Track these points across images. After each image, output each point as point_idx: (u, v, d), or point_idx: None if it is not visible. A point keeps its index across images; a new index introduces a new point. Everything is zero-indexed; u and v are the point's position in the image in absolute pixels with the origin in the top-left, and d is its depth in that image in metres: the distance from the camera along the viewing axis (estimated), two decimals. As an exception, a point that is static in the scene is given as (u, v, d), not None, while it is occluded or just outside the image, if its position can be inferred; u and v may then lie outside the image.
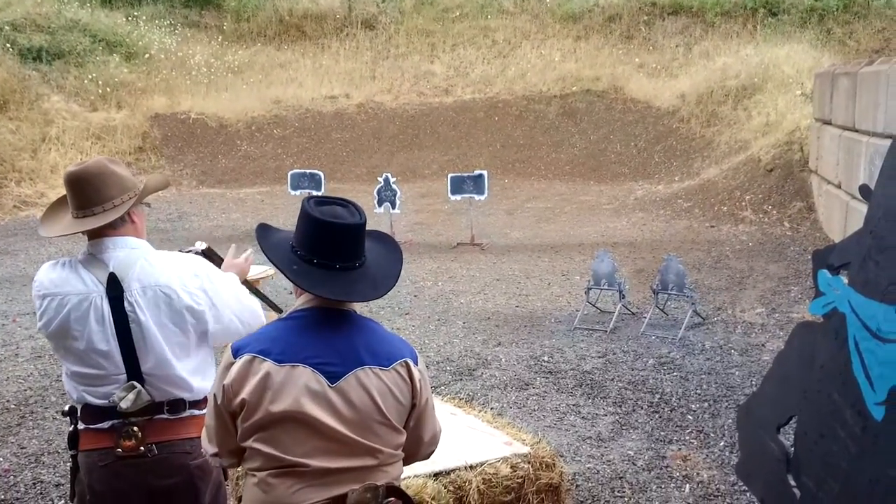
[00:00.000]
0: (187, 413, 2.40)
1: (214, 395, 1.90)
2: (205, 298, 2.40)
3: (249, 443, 1.85)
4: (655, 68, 17.17)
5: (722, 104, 15.03)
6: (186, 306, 2.36)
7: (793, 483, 2.71)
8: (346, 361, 1.85)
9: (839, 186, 9.24)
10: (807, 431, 2.66)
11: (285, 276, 1.91)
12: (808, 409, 2.65)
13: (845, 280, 2.57)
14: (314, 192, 11.20)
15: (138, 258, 2.37)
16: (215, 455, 1.97)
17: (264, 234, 2.00)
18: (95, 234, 2.38)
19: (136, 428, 2.32)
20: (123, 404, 2.29)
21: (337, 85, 18.57)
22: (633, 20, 18.69)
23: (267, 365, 1.82)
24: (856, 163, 8.46)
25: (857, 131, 8.61)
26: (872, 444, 2.35)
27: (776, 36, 16.77)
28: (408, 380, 1.91)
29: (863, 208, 2.53)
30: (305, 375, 1.82)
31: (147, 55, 18.67)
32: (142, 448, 2.33)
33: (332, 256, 1.89)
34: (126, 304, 2.31)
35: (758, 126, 13.57)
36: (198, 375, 2.42)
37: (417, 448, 2.03)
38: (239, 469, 2.27)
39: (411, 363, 1.92)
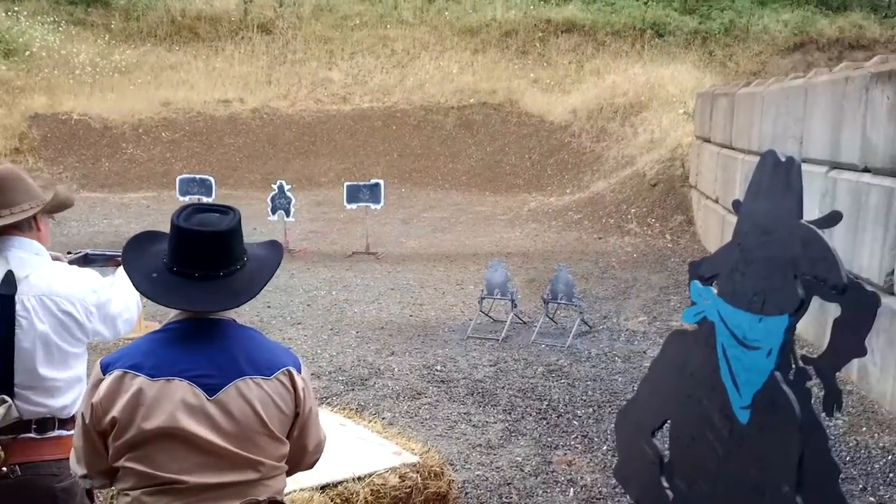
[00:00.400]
0: (55, 433, 2.29)
1: (82, 414, 1.80)
2: (97, 315, 2.38)
3: (122, 462, 1.77)
4: (549, 84, 17.66)
5: (611, 120, 15.61)
6: (79, 322, 2.33)
7: (666, 485, 2.82)
8: (225, 373, 1.79)
9: (717, 201, 9.76)
10: (679, 435, 2.78)
11: (134, 284, 1.85)
12: (680, 413, 2.77)
13: (715, 290, 2.71)
14: (204, 199, 10.87)
15: (41, 265, 2.33)
16: (85, 476, 1.86)
17: (141, 242, 1.94)
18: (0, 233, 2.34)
19: None
20: None
21: (231, 89, 18.12)
22: (528, 36, 19.17)
23: (139, 380, 1.74)
24: (732, 179, 8.96)
25: (733, 149, 9.13)
26: (738, 447, 2.48)
27: (662, 56, 17.60)
28: (291, 389, 1.86)
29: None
30: (181, 389, 1.75)
31: (28, 52, 17.66)
32: (4, 469, 2.20)
33: (192, 264, 1.83)
34: (18, 306, 2.23)
35: (643, 142, 14.18)
36: (72, 393, 2.34)
37: (301, 457, 1.98)
38: (112, 489, 2.15)
39: (294, 371, 1.87)
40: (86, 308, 2.34)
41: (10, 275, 2.26)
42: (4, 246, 2.33)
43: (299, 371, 1.89)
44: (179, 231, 1.82)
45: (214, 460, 1.77)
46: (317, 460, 2.06)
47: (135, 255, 1.90)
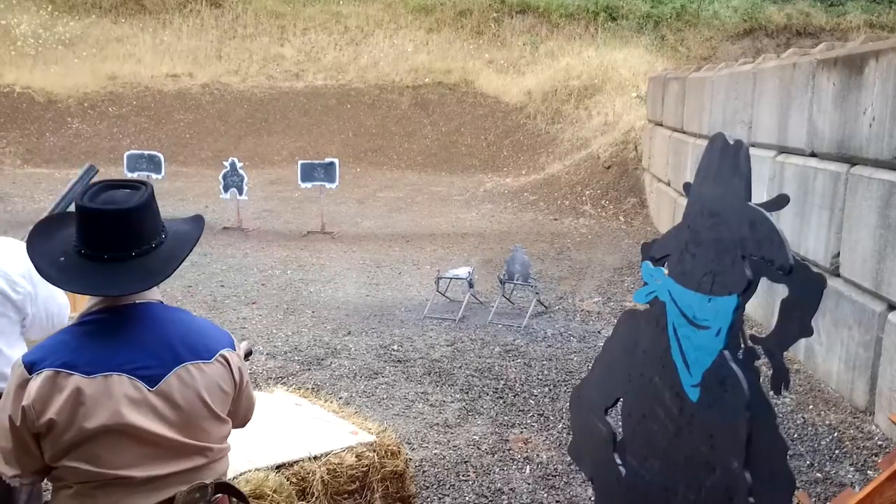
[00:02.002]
0: None
1: (10, 417, 1.69)
2: (25, 287, 2.24)
3: (63, 462, 1.70)
4: (504, 65, 17.68)
5: (565, 103, 15.72)
6: (4, 293, 2.21)
7: (619, 461, 2.89)
8: (164, 362, 1.74)
9: (668, 184, 9.94)
10: (631, 413, 2.84)
11: (38, 271, 1.74)
12: (632, 391, 2.83)
13: (666, 271, 2.77)
14: (153, 175, 10.64)
15: None
16: (15, 476, 1.77)
17: (50, 226, 1.83)
18: None
19: None
20: None
21: (179, 63, 17.71)
22: (483, 16, 19.12)
23: (75, 379, 1.66)
24: (683, 162, 9.13)
25: (684, 133, 9.29)
26: (688, 424, 2.55)
27: (615, 40, 17.75)
28: (229, 368, 1.84)
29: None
30: (121, 384, 1.69)
31: (-37, 21, 16.97)
32: None
33: (99, 246, 1.72)
34: None
35: (597, 125, 14.32)
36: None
37: (234, 421, 1.96)
38: None
39: (229, 351, 1.85)
40: (9, 279, 2.22)
41: None
42: None
43: (234, 349, 1.88)
44: (83, 211, 1.72)
45: (162, 451, 1.74)
46: (248, 421, 2.05)
47: (41, 239, 1.80)
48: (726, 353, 2.43)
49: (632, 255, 9.09)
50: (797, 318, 2.29)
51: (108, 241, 1.72)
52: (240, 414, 1.97)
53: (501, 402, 5.02)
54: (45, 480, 1.84)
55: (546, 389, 5.23)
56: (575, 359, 5.81)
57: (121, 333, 1.74)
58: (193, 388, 1.76)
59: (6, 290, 2.21)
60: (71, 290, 1.78)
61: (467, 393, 5.15)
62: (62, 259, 1.74)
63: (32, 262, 1.76)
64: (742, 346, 2.43)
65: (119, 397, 1.68)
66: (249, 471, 3.05)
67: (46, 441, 1.69)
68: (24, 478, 1.77)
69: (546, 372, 5.54)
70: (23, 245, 2.30)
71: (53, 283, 1.75)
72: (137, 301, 1.78)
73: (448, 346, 6.08)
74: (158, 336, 1.76)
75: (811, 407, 4.89)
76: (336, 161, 10.68)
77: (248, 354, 2.27)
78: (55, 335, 1.77)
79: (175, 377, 1.74)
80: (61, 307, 2.36)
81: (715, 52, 17.24)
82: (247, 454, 3.16)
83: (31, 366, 1.68)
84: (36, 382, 1.66)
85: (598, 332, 6.41)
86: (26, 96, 16.35)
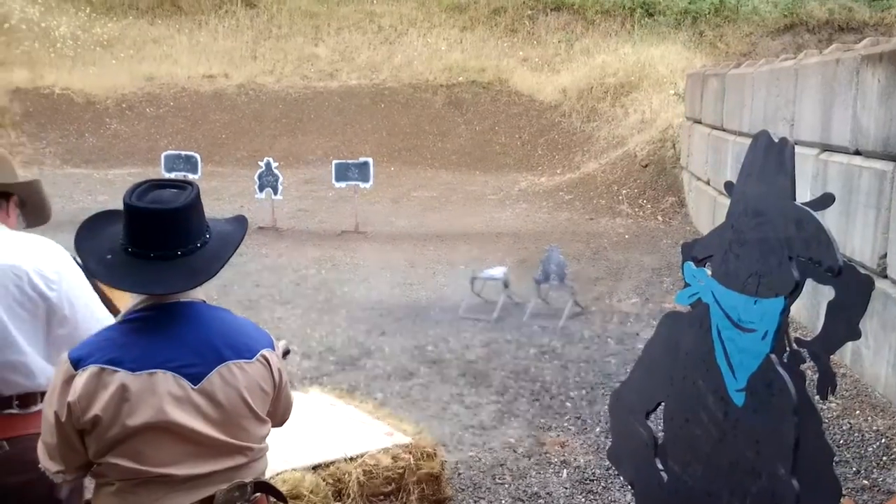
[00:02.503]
0: (38, 406, 2.22)
1: (56, 413, 1.70)
2: (59, 286, 2.23)
3: (106, 458, 1.71)
4: (538, 63, 17.57)
5: (601, 100, 15.56)
6: (39, 291, 2.20)
7: (660, 466, 2.83)
8: (207, 360, 1.74)
9: (708, 183, 9.77)
10: (673, 417, 2.78)
11: (85, 268, 1.77)
12: (674, 395, 2.77)
13: (709, 272, 2.70)
14: (190, 175, 10.77)
15: None
16: (59, 472, 1.78)
17: (98, 222, 1.85)
18: None
19: None
20: None
21: (215, 64, 17.91)
22: (517, 14, 19.03)
23: (120, 375, 1.66)
24: (723, 160, 8.97)
25: (724, 130, 9.12)
26: (733, 429, 2.48)
27: (652, 36, 17.52)
28: (269, 368, 1.85)
29: (728, 203, 2.67)
30: (166, 381, 1.69)
31: (6, 25, 17.35)
32: None
33: (146, 244, 1.74)
34: None
35: (634, 123, 14.15)
36: (52, 367, 2.26)
37: (273, 420, 1.96)
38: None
39: (269, 352, 1.86)
40: (45, 277, 2.21)
41: None
42: None
43: (273, 349, 1.89)
44: (131, 210, 1.74)
45: (203, 450, 1.74)
46: (286, 420, 2.05)
47: (88, 236, 1.81)
48: (773, 356, 2.36)
49: (670, 256, 8.95)
50: (844, 321, 2.22)
51: (154, 239, 1.74)
52: (278, 414, 1.97)
53: (538, 404, 4.97)
54: (88, 477, 1.85)
55: (583, 392, 5.16)
56: (612, 361, 5.73)
57: (166, 331, 1.75)
58: (235, 387, 1.76)
59: (43, 289, 2.21)
60: (118, 288, 1.78)
61: (503, 395, 5.10)
62: (109, 257, 1.76)
63: (81, 259, 1.78)
64: (787, 349, 2.37)
65: (163, 394, 1.69)
66: (286, 471, 3.06)
67: (91, 437, 1.70)
68: (67, 474, 1.78)
69: (583, 374, 5.47)
70: (58, 247, 2.32)
71: (101, 280, 1.78)
72: (182, 299, 1.79)
73: (483, 347, 6.04)
74: (202, 335, 1.77)
75: (858, 412, 4.76)
76: (370, 160, 10.71)
77: (285, 353, 2.25)
78: (101, 332, 1.79)
79: (217, 376, 1.74)
80: (101, 322, 2.34)
81: (755, 48, 16.93)
82: (283, 454, 3.16)
83: (77, 362, 1.69)
84: (82, 378, 1.67)
85: (637, 333, 6.31)
86: (65, 97, 16.67)
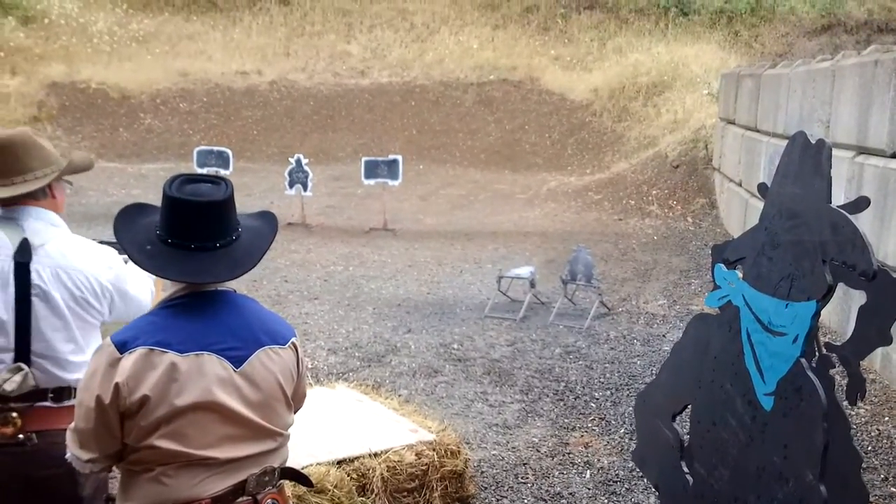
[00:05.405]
0: (71, 401, 2.27)
1: (98, 396, 1.72)
2: (111, 293, 2.34)
3: (150, 440, 1.73)
4: (570, 61, 17.46)
5: (633, 100, 15.43)
6: (95, 296, 2.30)
7: (686, 469, 2.80)
8: (248, 344, 1.81)
9: (740, 184, 9.64)
10: (700, 420, 2.75)
11: (130, 257, 1.82)
12: (702, 398, 2.74)
13: (740, 274, 2.67)
14: (221, 171, 10.88)
15: (56, 236, 2.29)
16: (90, 461, 1.79)
17: (131, 214, 1.90)
18: (13, 202, 2.29)
19: (14, 414, 2.19)
20: (8, 386, 2.16)
21: (248, 60, 18.07)
22: (549, 12, 18.93)
23: (169, 356, 1.71)
24: (756, 162, 8.84)
25: (758, 131, 8.99)
26: (761, 433, 2.45)
27: (686, 35, 17.32)
28: (297, 356, 1.93)
29: (761, 206, 2.63)
30: (212, 363, 1.75)
31: (46, 20, 17.68)
32: (21, 436, 2.20)
33: (187, 235, 1.80)
34: (34, 274, 2.21)
35: (666, 123, 14.01)
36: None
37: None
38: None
39: (296, 340, 1.94)
40: (101, 284, 2.31)
41: (25, 243, 2.23)
42: (20, 215, 2.28)
43: (296, 337, 1.96)
44: (173, 202, 1.79)
45: (242, 432, 1.79)
46: (300, 408, 2.09)
47: (126, 227, 1.86)
48: (803, 361, 2.33)
49: (700, 258, 8.85)
50: (875, 326, 2.19)
51: (196, 230, 1.80)
52: (295, 401, 2.03)
53: (562, 404, 4.95)
54: (114, 470, 1.87)
55: (608, 393, 5.13)
56: (638, 363, 5.68)
57: (207, 316, 1.81)
58: (272, 371, 1.83)
59: (98, 295, 2.31)
60: (162, 276, 1.83)
61: (527, 394, 5.09)
62: (149, 247, 1.81)
63: (124, 249, 1.83)
64: (817, 353, 2.33)
65: (211, 376, 1.74)
66: (311, 465, 3.08)
67: (134, 420, 1.72)
68: (97, 462, 1.80)
69: (608, 375, 5.43)
70: (107, 249, 2.39)
71: (145, 269, 1.82)
72: (220, 288, 1.86)
73: (508, 346, 6.02)
74: (241, 320, 1.84)
75: (887, 418, 4.66)
76: (399, 158, 10.74)
77: None
78: (143, 317, 1.84)
79: (257, 359, 1.81)
80: (141, 307, 2.42)
81: (791, 48, 16.66)
82: (309, 448, 3.19)
83: (123, 345, 1.73)
84: (129, 360, 1.71)
85: (663, 335, 6.25)
86: (101, 92, 16.93)
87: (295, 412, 2.04)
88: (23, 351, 2.21)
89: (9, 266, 2.20)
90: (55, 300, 2.23)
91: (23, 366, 2.20)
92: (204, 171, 11.09)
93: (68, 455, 1.83)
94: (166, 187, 1.81)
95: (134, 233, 1.85)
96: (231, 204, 1.85)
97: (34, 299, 2.20)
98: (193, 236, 1.79)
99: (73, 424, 1.82)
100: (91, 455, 1.79)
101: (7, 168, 2.24)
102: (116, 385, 1.70)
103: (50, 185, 2.32)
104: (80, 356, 2.28)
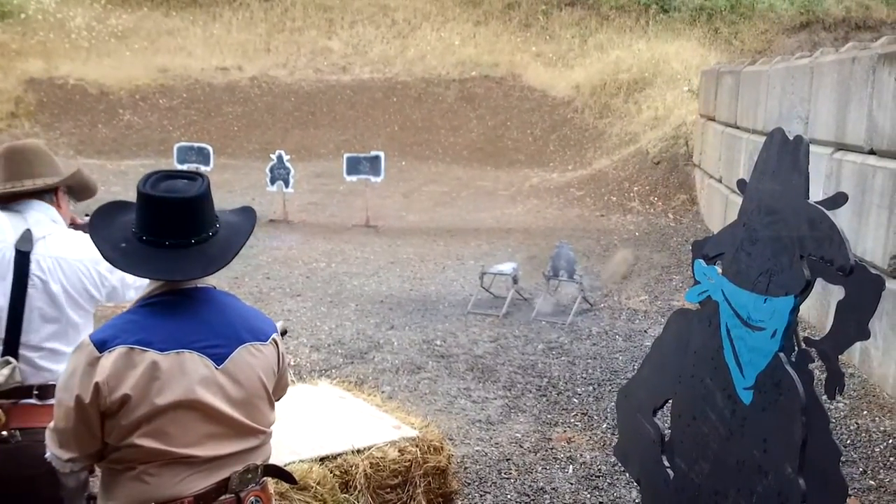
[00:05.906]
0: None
1: (78, 396, 1.69)
2: (109, 284, 2.39)
3: (131, 439, 1.71)
4: (552, 58, 17.49)
5: (614, 97, 15.49)
6: (95, 285, 2.35)
7: (667, 464, 2.82)
8: (229, 341, 1.80)
9: (720, 181, 9.72)
10: (680, 414, 2.77)
11: (103, 255, 1.80)
12: (682, 392, 2.76)
13: (719, 270, 2.69)
14: (202, 167, 10.80)
15: (57, 229, 2.37)
16: (70, 460, 1.78)
17: (109, 211, 1.89)
18: (20, 198, 2.38)
19: None
20: None
21: (229, 56, 17.95)
22: (531, 9, 18.95)
23: (150, 355, 1.70)
24: (736, 158, 8.92)
25: (738, 128, 9.07)
26: (740, 427, 2.47)
27: (667, 32, 17.42)
28: (278, 351, 1.92)
29: (741, 201, 2.65)
30: (193, 361, 1.74)
31: (23, 15, 17.48)
32: (4, 433, 2.19)
33: (161, 233, 1.78)
34: (34, 265, 2.24)
35: (647, 119, 14.08)
36: None
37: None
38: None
39: (277, 335, 1.94)
40: (101, 274, 2.36)
41: (27, 233, 2.28)
42: (24, 207, 2.36)
43: (277, 333, 1.96)
44: (147, 199, 1.78)
45: (224, 430, 1.78)
46: (280, 399, 2.08)
47: (102, 225, 1.85)
48: (782, 355, 2.36)
49: (680, 254, 8.91)
50: (854, 321, 2.21)
51: (170, 228, 1.78)
52: (276, 394, 2.02)
53: (545, 399, 4.97)
54: (95, 470, 1.86)
55: (590, 388, 5.15)
56: (620, 358, 5.72)
57: (188, 313, 1.79)
58: (253, 368, 1.82)
59: (98, 286, 2.36)
60: (136, 274, 1.84)
61: (510, 390, 5.11)
62: (123, 245, 1.80)
63: (97, 247, 1.82)
64: (796, 348, 2.36)
65: (192, 374, 1.73)
66: (294, 462, 3.07)
67: (115, 419, 1.71)
68: (77, 462, 1.79)
69: (590, 370, 5.47)
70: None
71: (118, 268, 1.82)
72: (198, 285, 1.84)
73: (491, 342, 6.04)
74: (221, 317, 1.82)
75: (865, 412, 4.73)
76: (382, 154, 10.72)
77: (283, 333, 2.33)
78: (121, 315, 1.82)
79: (238, 356, 1.80)
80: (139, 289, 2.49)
81: (770, 45, 16.80)
82: (291, 445, 3.18)
83: (102, 344, 1.71)
84: (109, 359, 1.69)
85: (645, 331, 6.30)
86: (79, 88, 16.75)
87: (277, 400, 2.04)
88: (12, 344, 2.22)
89: (10, 254, 2.24)
90: (53, 290, 2.26)
91: (10, 359, 2.20)
92: (184, 167, 11.01)
93: (48, 454, 1.82)
94: (140, 185, 1.79)
95: (110, 230, 1.83)
96: (207, 200, 1.83)
97: (31, 290, 2.23)
98: (168, 233, 1.78)
99: (52, 424, 1.80)
100: (71, 454, 1.77)
101: (19, 171, 2.36)
102: (97, 384, 1.69)
103: (56, 195, 2.42)
104: (71, 349, 2.28)
